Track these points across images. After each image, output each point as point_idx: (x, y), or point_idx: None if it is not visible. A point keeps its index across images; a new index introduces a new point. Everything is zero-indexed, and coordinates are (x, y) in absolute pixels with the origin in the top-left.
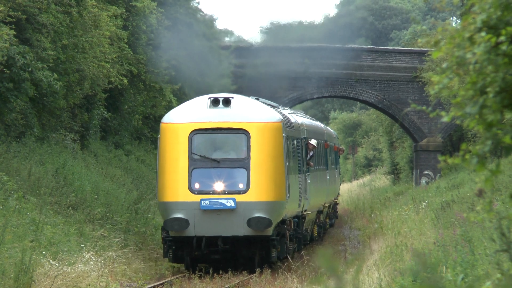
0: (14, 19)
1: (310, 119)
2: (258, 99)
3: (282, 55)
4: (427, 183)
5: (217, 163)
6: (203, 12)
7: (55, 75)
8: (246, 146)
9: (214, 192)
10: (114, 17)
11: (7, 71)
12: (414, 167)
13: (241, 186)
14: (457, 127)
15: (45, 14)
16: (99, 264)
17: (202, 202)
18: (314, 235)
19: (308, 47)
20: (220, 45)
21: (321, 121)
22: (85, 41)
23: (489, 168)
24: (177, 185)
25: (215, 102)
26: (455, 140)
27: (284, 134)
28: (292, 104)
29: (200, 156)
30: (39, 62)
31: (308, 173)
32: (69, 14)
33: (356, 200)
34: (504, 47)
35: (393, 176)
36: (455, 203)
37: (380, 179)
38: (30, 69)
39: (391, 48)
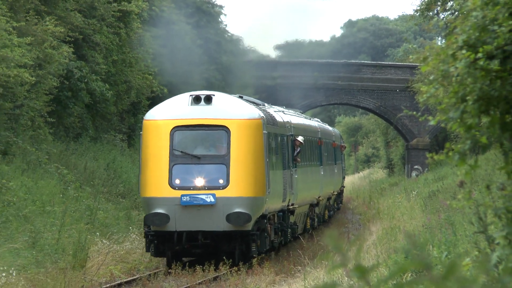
0: (72, 39)
1: (304, 117)
2: (241, 97)
3: (295, 69)
4: (416, 176)
5: (197, 159)
6: (230, 33)
7: (107, 86)
8: (226, 142)
9: (194, 188)
10: (156, 37)
11: (67, 82)
12: (406, 163)
13: (221, 182)
14: (442, 129)
15: (99, 35)
16: (143, 243)
17: (182, 197)
18: (307, 227)
19: (317, 62)
20: (244, 60)
21: (330, 125)
22: (131, 57)
23: (469, 163)
24: (158, 181)
25: (196, 99)
26: (440, 140)
27: (264, 131)
28: (304, 110)
29: (181, 152)
30: (93, 74)
31: (295, 169)
32: (119, 35)
33: (358, 190)
34: (481, 63)
35: (388, 170)
36: (440, 192)
37: (378, 172)
38: (86, 80)
39: (387, 63)
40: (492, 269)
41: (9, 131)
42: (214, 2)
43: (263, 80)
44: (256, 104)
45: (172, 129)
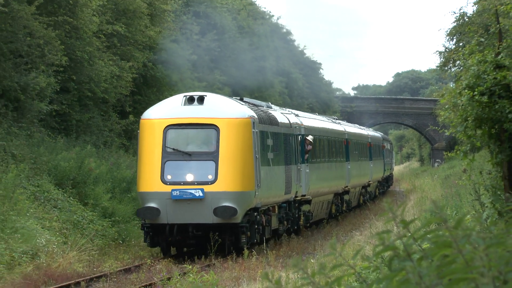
0: (229, 85)
1: (331, 122)
2: (242, 99)
3: (364, 101)
4: (437, 165)
5: (188, 156)
6: (325, 80)
7: None
8: (215, 140)
9: (185, 183)
10: (280, 82)
11: None
12: (431, 158)
13: (210, 177)
14: (453, 138)
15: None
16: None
17: (173, 192)
18: (333, 212)
19: (377, 97)
20: (334, 96)
21: (385, 135)
22: (264, 93)
23: (469, 158)
24: (151, 177)
25: (190, 100)
26: (452, 144)
27: (255, 130)
28: (369, 126)
29: (173, 149)
30: None
31: (306, 164)
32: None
33: (402, 174)
34: (476, 97)
35: (420, 162)
36: (451, 175)
37: (414, 164)
38: None
39: (419, 97)
40: (484, 222)
41: None
42: (316, 60)
43: (345, 108)
44: (255, 106)
45: (165, 127)
